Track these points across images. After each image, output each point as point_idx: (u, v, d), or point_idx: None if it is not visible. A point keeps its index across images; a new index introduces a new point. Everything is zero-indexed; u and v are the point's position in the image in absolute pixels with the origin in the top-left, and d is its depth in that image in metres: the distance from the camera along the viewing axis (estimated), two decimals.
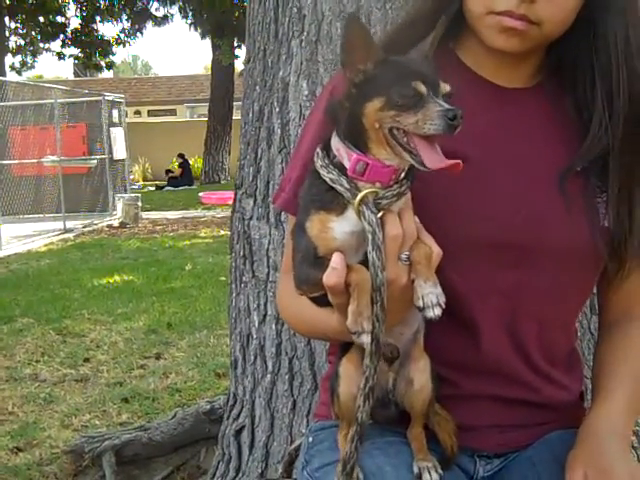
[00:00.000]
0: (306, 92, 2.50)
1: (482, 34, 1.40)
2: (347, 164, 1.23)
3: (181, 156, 23.98)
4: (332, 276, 1.19)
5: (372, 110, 1.18)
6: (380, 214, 1.21)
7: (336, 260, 1.19)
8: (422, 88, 1.16)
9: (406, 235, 1.22)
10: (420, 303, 1.21)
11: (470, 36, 1.46)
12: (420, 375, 1.36)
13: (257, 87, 2.65)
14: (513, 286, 1.44)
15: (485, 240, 1.41)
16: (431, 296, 1.21)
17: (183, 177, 23.64)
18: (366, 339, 1.18)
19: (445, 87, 1.19)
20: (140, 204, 14.70)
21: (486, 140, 1.44)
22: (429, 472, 1.35)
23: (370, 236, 1.18)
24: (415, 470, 1.36)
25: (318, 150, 1.28)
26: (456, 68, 1.48)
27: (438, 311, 1.20)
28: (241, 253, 2.70)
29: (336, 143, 1.25)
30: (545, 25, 1.35)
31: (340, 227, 1.22)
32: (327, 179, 1.24)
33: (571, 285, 1.51)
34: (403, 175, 1.23)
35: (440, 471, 1.36)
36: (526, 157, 1.46)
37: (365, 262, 1.21)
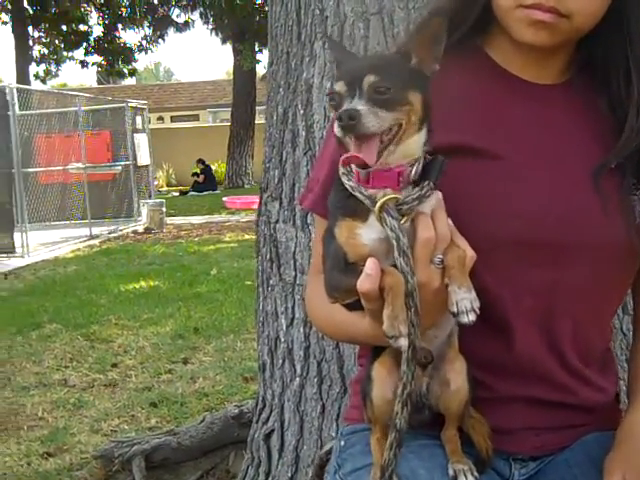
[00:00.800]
0: None
1: (511, 28, 1.38)
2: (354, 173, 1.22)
3: (201, 162, 24.05)
4: (366, 282, 1.17)
5: (330, 109, 1.21)
6: (404, 220, 1.19)
7: (370, 266, 1.17)
8: (341, 89, 1.16)
9: (439, 238, 1.20)
10: (454, 309, 1.20)
11: (498, 32, 1.44)
12: (456, 376, 1.34)
13: (281, 90, 2.64)
14: (547, 285, 1.42)
15: (517, 239, 1.38)
16: (465, 302, 1.19)
17: (207, 182, 23.72)
18: (403, 342, 1.16)
19: (369, 79, 1.15)
20: (165, 209, 14.78)
21: (516, 137, 1.42)
22: (465, 475, 1.34)
23: (395, 242, 1.16)
24: (450, 473, 1.35)
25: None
26: (485, 65, 1.46)
27: (472, 317, 1.19)
28: (268, 256, 2.69)
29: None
30: (575, 18, 1.32)
31: (367, 234, 1.21)
32: (348, 187, 1.22)
33: (606, 284, 1.48)
34: (414, 176, 1.20)
35: (476, 474, 1.34)
36: (558, 154, 1.43)
37: (396, 267, 1.19)
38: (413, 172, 1.20)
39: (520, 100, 1.45)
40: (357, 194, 1.21)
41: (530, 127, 1.44)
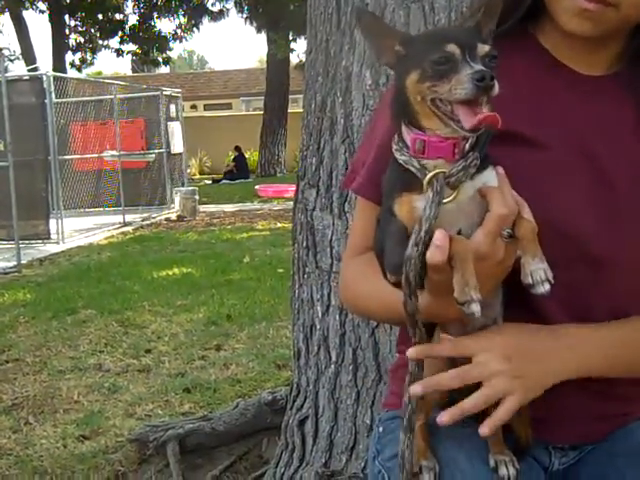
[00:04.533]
0: (369, 82, 2.48)
1: (558, 16, 1.36)
2: (409, 144, 1.23)
3: (237, 149, 24.14)
4: (437, 253, 1.16)
5: (411, 84, 1.18)
6: (454, 194, 1.20)
7: (439, 237, 1.16)
8: (455, 51, 1.14)
9: (510, 212, 1.20)
10: (529, 280, 1.19)
11: (548, 20, 1.42)
12: None
13: (319, 77, 2.64)
14: (586, 280, 1.40)
15: (557, 229, 1.37)
16: (540, 272, 1.19)
17: (239, 170, 23.80)
18: (476, 308, 1.15)
19: (483, 48, 1.15)
20: (197, 197, 14.86)
21: (564, 128, 1.40)
22: (506, 466, 1.33)
23: (423, 214, 1.18)
24: (492, 463, 1.34)
25: (395, 135, 1.27)
26: (534, 51, 1.45)
27: (547, 287, 1.18)
28: (304, 244, 2.70)
29: (403, 126, 1.25)
30: (622, 7, 1.29)
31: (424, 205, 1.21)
32: (401, 161, 1.23)
33: None
34: (468, 147, 1.20)
35: (517, 465, 1.33)
36: (602, 147, 1.41)
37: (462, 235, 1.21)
38: (468, 145, 1.20)
39: (569, 90, 1.43)
40: (410, 167, 1.22)
41: (577, 119, 1.41)
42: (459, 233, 1.22)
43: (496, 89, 1.11)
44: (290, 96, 24.49)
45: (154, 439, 3.43)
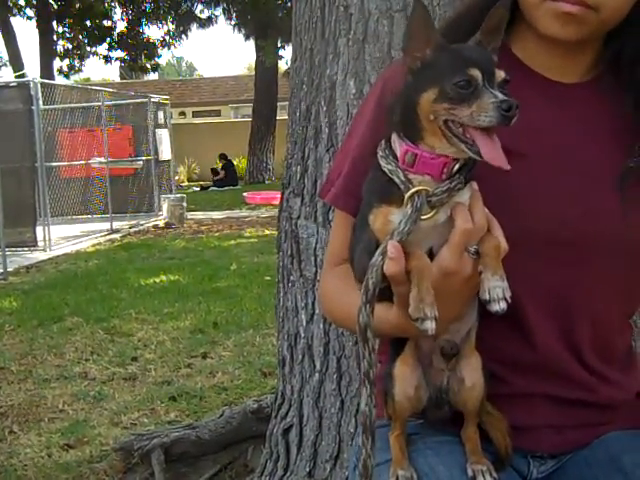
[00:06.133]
0: (353, 91, 2.49)
1: (538, 23, 1.37)
2: (399, 155, 1.22)
3: (224, 157, 24.13)
4: (391, 265, 1.18)
5: (426, 102, 1.17)
6: (432, 212, 1.20)
7: (391, 250, 1.17)
8: (478, 77, 1.14)
9: (476, 228, 1.21)
10: (486, 296, 1.20)
11: (524, 30, 1.44)
12: (472, 373, 1.34)
13: (304, 86, 2.65)
14: (566, 285, 1.42)
15: (537, 237, 1.38)
16: (498, 290, 1.19)
17: (227, 177, 23.78)
18: (429, 325, 1.16)
19: (500, 74, 1.17)
20: (185, 204, 14.84)
21: (540, 136, 1.42)
22: (483, 475, 1.33)
23: (398, 227, 1.18)
24: (469, 473, 1.34)
25: (382, 141, 1.27)
26: (510, 62, 1.45)
27: (504, 305, 1.19)
28: (289, 252, 2.70)
29: (393, 134, 1.25)
30: (602, 10, 1.31)
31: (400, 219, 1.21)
32: (386, 170, 1.23)
33: (626, 284, 1.48)
34: (456, 169, 1.21)
35: (495, 475, 1.34)
36: (581, 154, 1.43)
37: (431, 254, 1.21)
38: (457, 166, 1.21)
39: (544, 99, 1.44)
40: (394, 177, 1.22)
41: (554, 126, 1.43)
42: (430, 251, 1.23)
43: (515, 120, 1.12)
44: (279, 103, 24.48)
45: (139, 448, 3.42)
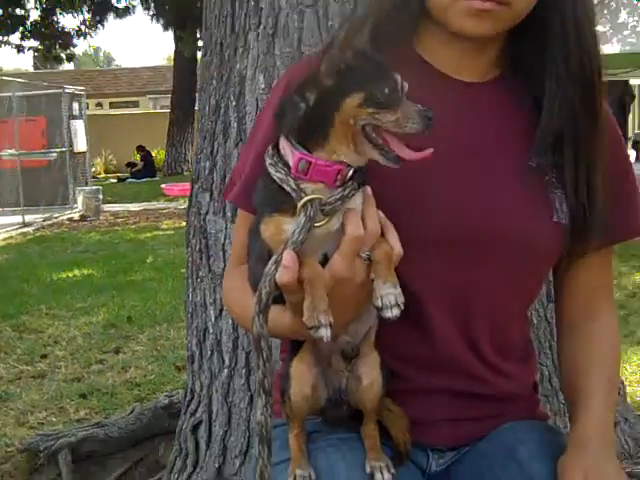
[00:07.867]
0: (263, 85, 2.48)
1: (451, 23, 1.38)
2: (291, 163, 1.20)
3: (141, 148, 23.76)
4: (284, 275, 1.17)
5: (350, 106, 1.15)
6: (325, 220, 1.19)
7: (287, 258, 1.16)
8: (401, 83, 1.16)
9: (368, 234, 1.21)
10: (379, 303, 1.20)
11: (429, 31, 1.45)
12: (369, 370, 1.35)
13: (214, 81, 2.62)
14: (465, 283, 1.44)
15: (437, 236, 1.40)
16: (390, 297, 1.20)
17: (145, 169, 23.43)
18: (324, 332, 1.16)
19: (405, 85, 1.18)
20: (101, 197, 14.56)
21: (443, 137, 1.43)
22: (381, 472, 1.34)
23: (292, 236, 1.18)
24: (367, 470, 1.35)
25: (269, 148, 1.25)
26: (414, 63, 1.46)
27: (396, 311, 1.20)
28: (197, 248, 2.68)
29: (282, 141, 1.22)
30: (514, 5, 1.34)
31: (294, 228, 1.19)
32: (276, 178, 1.21)
33: (524, 281, 1.51)
34: (350, 175, 1.21)
35: (393, 471, 1.35)
36: (483, 151, 1.45)
37: (326, 260, 1.21)
38: (351, 172, 1.20)
39: (448, 99, 1.45)
40: (285, 186, 1.19)
41: (457, 126, 1.43)
42: (325, 256, 1.22)
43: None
44: (198, 94, 24.23)
45: (45, 448, 3.33)
